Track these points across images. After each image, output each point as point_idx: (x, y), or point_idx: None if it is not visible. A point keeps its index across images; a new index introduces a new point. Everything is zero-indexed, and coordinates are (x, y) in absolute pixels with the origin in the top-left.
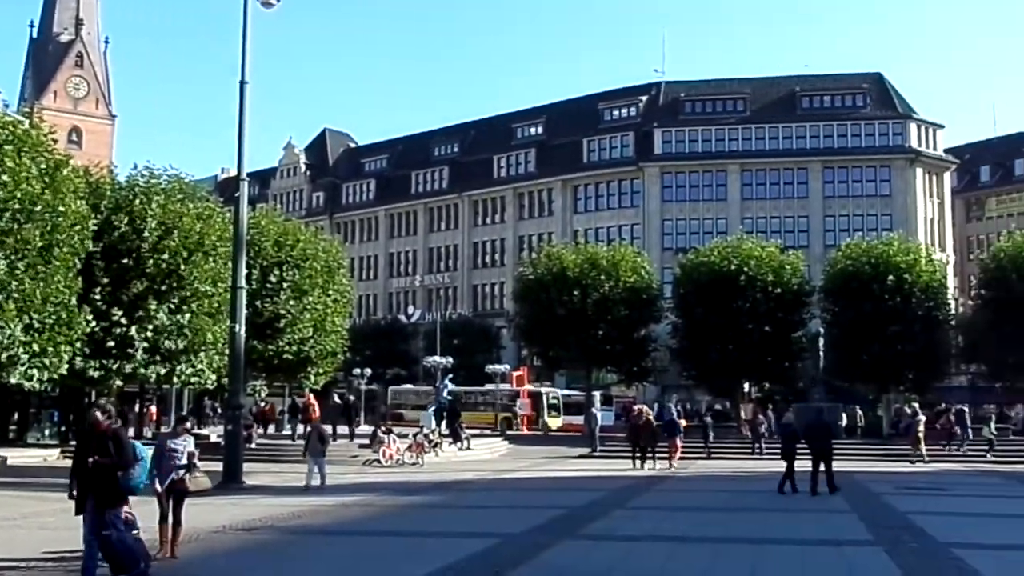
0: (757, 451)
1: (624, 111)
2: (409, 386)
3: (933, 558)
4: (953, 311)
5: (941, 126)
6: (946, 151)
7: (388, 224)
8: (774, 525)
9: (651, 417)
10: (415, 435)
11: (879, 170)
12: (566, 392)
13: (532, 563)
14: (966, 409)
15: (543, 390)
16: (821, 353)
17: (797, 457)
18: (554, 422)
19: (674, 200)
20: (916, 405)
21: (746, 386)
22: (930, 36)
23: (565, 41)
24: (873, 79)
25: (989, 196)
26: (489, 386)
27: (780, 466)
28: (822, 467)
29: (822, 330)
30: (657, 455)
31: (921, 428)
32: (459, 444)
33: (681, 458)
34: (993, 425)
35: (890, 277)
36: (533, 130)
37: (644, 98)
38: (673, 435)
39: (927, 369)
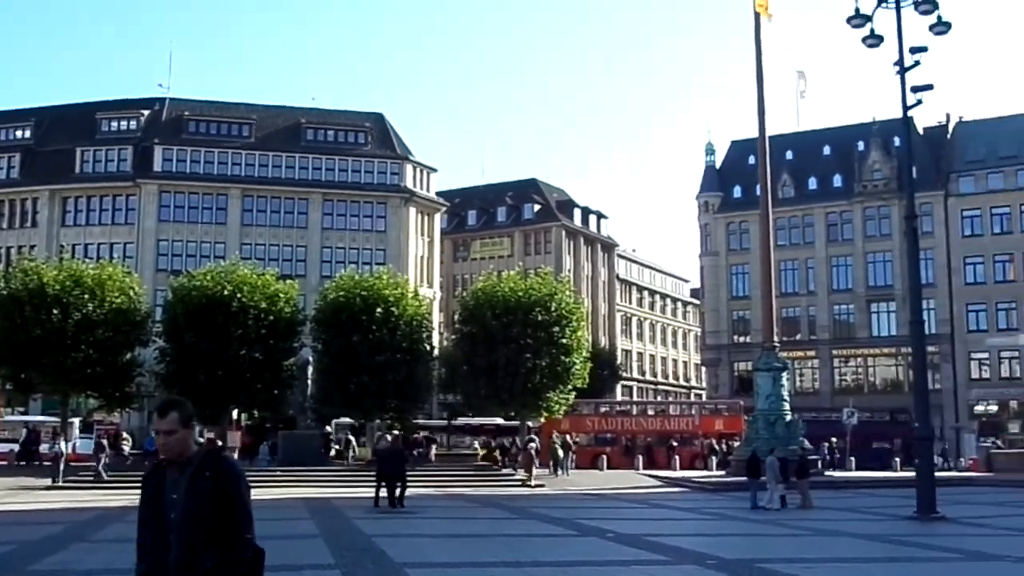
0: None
1: (124, 123)
2: None
3: None
4: (436, 344)
5: (434, 170)
6: (438, 194)
7: None
8: None
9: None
10: None
11: (376, 206)
12: (40, 419)
13: None
14: (535, 439)
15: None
16: (310, 381)
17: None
18: None
19: (172, 220)
20: (396, 431)
21: (235, 413)
22: (428, 85)
23: (60, 42)
24: (375, 119)
25: (474, 239)
26: None
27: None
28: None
29: (311, 358)
30: None
31: (534, 455)
32: None
33: None
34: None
35: (379, 309)
36: (20, 133)
37: (146, 112)
38: None
39: (409, 398)
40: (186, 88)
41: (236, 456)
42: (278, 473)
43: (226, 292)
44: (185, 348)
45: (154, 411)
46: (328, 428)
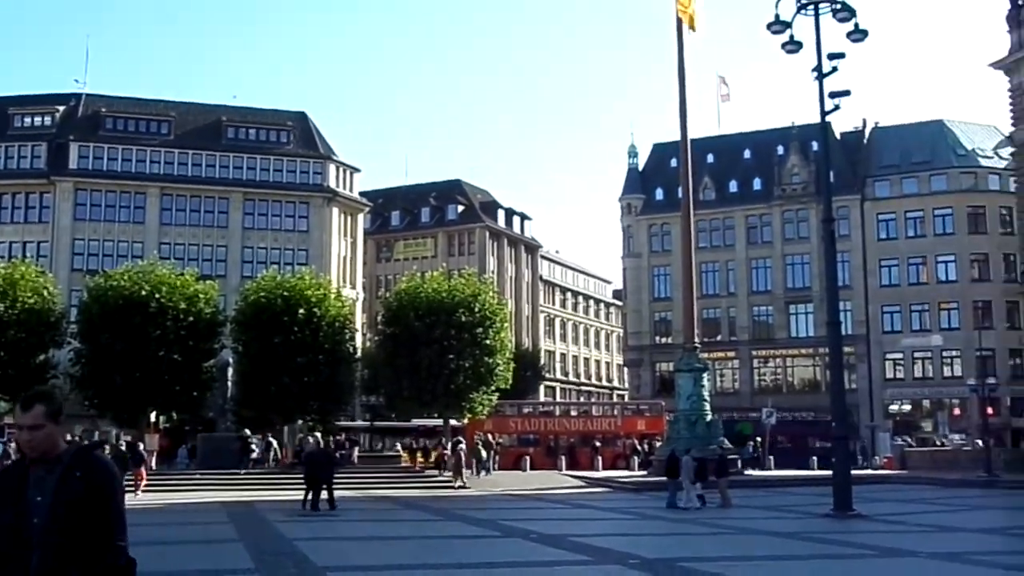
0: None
1: (38, 119)
2: None
3: None
4: (359, 345)
5: (358, 170)
6: (361, 194)
7: None
8: (157, 558)
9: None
10: None
11: (298, 206)
12: None
13: None
14: (462, 440)
15: None
16: (230, 383)
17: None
18: None
19: (88, 219)
20: (318, 433)
21: (153, 415)
22: (352, 84)
23: None
24: (298, 118)
25: (398, 239)
26: None
27: (164, 499)
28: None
29: (231, 360)
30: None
31: (463, 456)
32: None
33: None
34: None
35: (300, 310)
36: None
37: (61, 108)
38: (138, 465)
39: (331, 400)
40: (103, 84)
41: (154, 459)
42: (197, 476)
43: (144, 292)
44: (101, 349)
45: (17, 405)
46: (246, 432)
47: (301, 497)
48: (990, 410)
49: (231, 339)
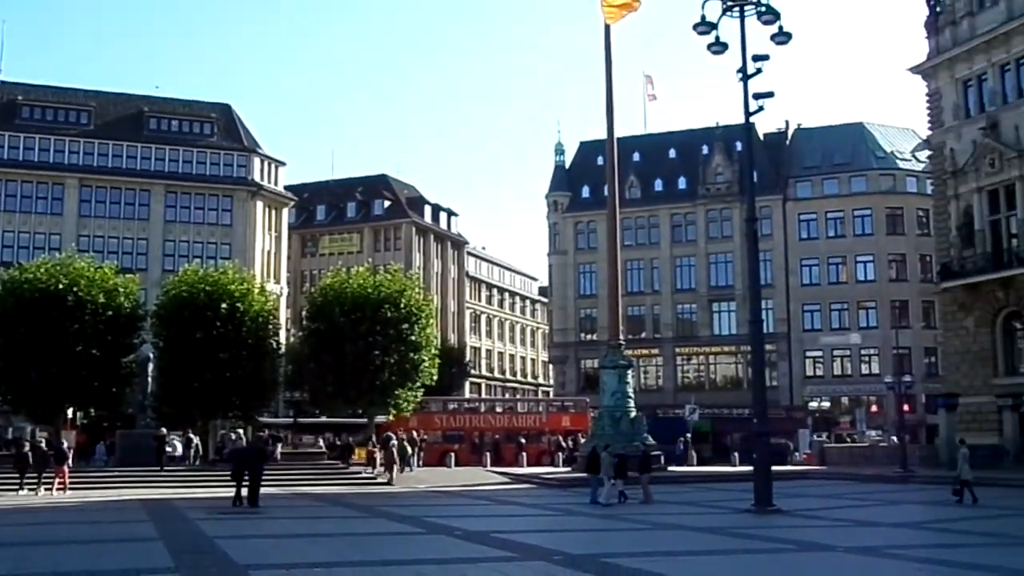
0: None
1: None
2: None
3: None
4: (284, 340)
5: (283, 163)
6: (286, 188)
7: None
8: (73, 557)
9: (42, 444)
10: None
11: (222, 199)
12: None
13: None
14: (393, 436)
15: None
16: (150, 378)
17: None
18: None
19: (3, 210)
20: (240, 430)
21: (71, 411)
22: (277, 77)
23: None
24: (222, 110)
25: (323, 234)
26: None
27: (82, 496)
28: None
29: (151, 355)
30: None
31: (395, 451)
32: None
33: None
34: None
35: (223, 305)
36: None
37: None
38: (60, 463)
39: (254, 396)
40: (20, 71)
41: (71, 456)
42: (116, 473)
43: (61, 286)
44: (16, 344)
45: None
46: (163, 430)
47: (224, 494)
48: (906, 407)
49: (151, 334)
